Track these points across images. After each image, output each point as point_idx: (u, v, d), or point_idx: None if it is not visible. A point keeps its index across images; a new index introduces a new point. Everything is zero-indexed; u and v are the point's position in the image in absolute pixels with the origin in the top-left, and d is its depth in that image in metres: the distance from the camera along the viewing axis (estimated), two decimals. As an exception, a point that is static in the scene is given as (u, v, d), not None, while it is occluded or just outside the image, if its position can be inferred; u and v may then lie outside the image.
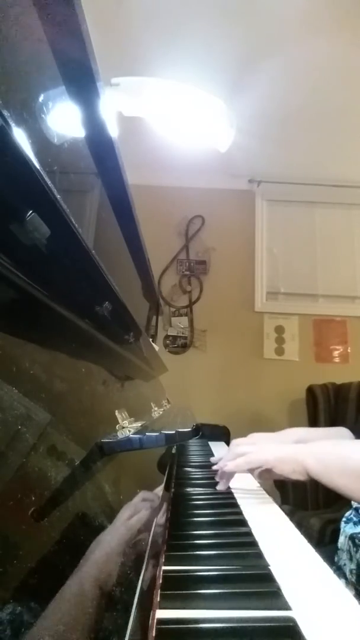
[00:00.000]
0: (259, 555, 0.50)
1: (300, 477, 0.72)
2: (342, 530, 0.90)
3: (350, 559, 0.84)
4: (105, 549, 0.36)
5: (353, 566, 0.83)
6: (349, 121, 2.34)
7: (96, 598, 0.28)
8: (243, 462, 0.74)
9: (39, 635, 0.22)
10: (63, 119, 0.46)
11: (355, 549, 0.84)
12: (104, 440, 0.49)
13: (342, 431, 1.02)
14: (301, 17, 1.70)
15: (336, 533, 0.93)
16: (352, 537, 0.85)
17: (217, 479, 0.82)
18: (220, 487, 0.80)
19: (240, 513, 0.66)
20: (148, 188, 2.72)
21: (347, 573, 0.84)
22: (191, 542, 0.54)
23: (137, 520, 0.46)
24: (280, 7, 1.67)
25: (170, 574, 0.43)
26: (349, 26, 1.75)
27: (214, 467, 0.80)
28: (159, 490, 0.68)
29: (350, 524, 0.88)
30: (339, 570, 0.87)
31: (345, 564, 0.86)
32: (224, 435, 1.65)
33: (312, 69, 1.98)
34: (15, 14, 0.35)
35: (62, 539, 0.31)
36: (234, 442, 1.01)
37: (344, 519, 0.91)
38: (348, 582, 0.83)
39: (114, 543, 0.37)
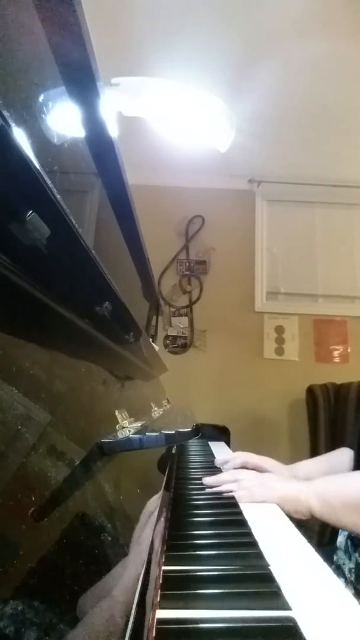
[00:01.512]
0: (259, 556, 0.50)
1: (303, 516, 0.71)
2: (340, 529, 0.90)
3: (349, 558, 0.84)
4: (135, 574, 0.36)
5: (352, 565, 0.83)
6: (349, 121, 2.34)
7: (122, 624, 0.29)
8: (245, 498, 0.73)
9: None
10: (63, 119, 0.46)
11: (353, 548, 0.84)
12: (104, 440, 0.49)
13: (344, 453, 1.01)
14: (301, 17, 1.70)
15: (336, 532, 0.93)
16: (350, 536, 0.85)
17: (205, 481, 0.82)
18: (208, 482, 0.81)
19: (240, 513, 0.66)
20: (148, 188, 2.72)
21: (346, 572, 0.84)
22: (191, 542, 0.54)
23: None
24: (280, 8, 1.67)
25: (170, 574, 0.43)
26: (349, 26, 1.75)
27: (214, 489, 0.80)
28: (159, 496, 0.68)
29: (350, 524, 0.88)
30: (338, 570, 0.87)
31: (344, 563, 0.86)
32: (224, 435, 1.64)
33: (312, 69, 1.98)
34: (15, 14, 0.35)
35: (62, 539, 0.31)
36: (238, 455, 1.00)
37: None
38: (347, 581, 0.83)
39: (141, 568, 0.37)
